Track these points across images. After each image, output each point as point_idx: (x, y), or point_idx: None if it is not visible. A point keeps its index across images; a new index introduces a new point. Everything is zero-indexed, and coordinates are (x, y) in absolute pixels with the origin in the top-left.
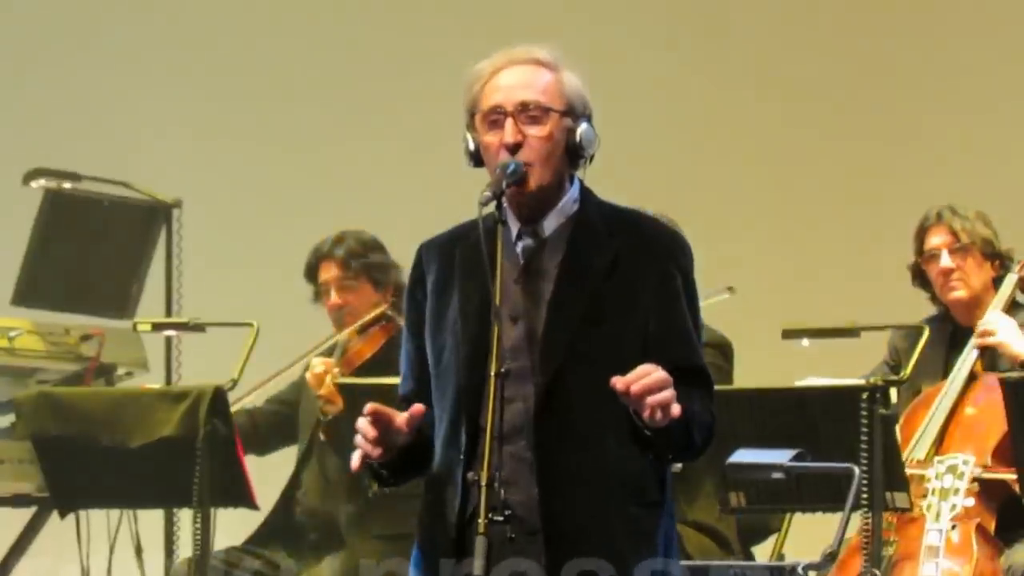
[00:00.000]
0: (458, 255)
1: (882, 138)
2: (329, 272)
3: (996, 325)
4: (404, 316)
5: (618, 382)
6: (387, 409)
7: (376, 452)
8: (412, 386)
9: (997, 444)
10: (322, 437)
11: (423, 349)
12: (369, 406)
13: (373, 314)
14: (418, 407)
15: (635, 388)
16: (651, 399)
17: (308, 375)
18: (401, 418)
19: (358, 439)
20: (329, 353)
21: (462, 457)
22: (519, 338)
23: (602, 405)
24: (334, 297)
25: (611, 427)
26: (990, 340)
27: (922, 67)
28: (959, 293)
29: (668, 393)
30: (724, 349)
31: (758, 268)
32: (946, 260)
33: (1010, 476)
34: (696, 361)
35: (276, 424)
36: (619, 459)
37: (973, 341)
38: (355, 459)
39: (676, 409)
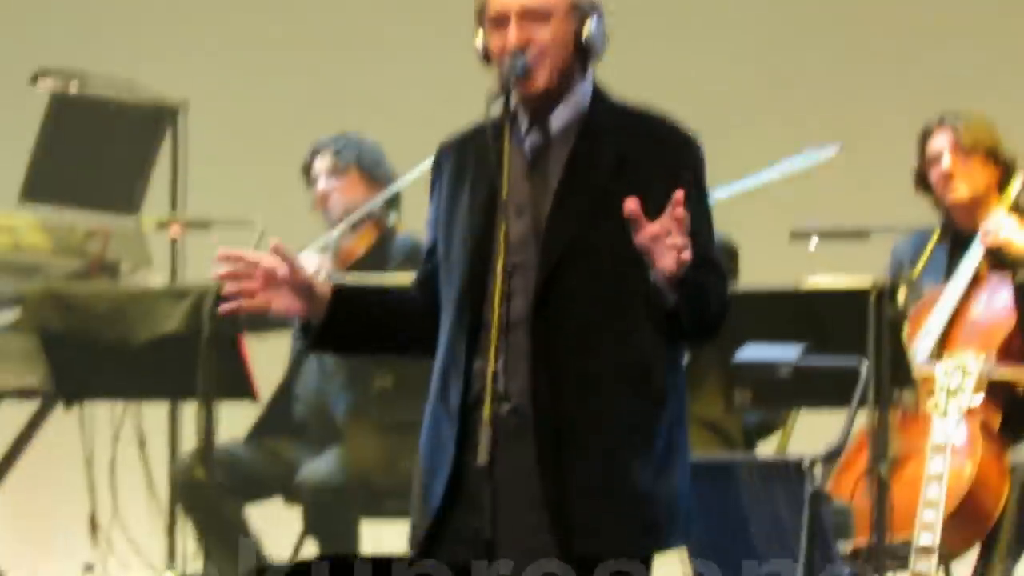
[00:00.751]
0: (471, 152)
1: (889, 37)
2: (322, 162)
3: (1000, 224)
4: (429, 212)
5: (633, 209)
6: (245, 255)
7: (252, 301)
8: (423, 276)
9: (1003, 342)
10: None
11: (437, 245)
12: (221, 251)
13: (363, 210)
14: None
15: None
16: (669, 240)
17: None
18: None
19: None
20: (320, 252)
21: (466, 349)
22: (524, 231)
23: (603, 299)
24: (322, 184)
25: (611, 321)
26: (997, 238)
27: None
28: (960, 194)
29: (683, 240)
30: (729, 249)
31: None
32: (947, 162)
33: (1022, 376)
34: (708, 253)
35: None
36: (619, 353)
37: (978, 241)
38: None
39: (688, 254)
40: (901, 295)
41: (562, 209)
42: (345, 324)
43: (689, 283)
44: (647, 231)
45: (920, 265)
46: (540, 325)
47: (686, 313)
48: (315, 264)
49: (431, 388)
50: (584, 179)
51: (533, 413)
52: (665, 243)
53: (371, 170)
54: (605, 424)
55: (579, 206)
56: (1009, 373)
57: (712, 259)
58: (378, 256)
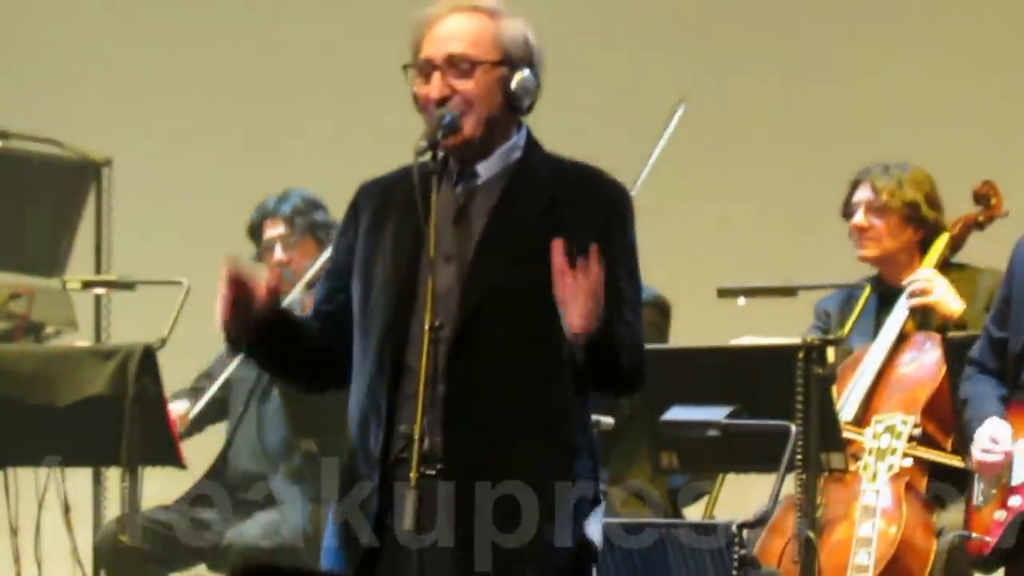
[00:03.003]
0: (396, 196)
1: (824, 87)
2: (275, 230)
3: (930, 283)
4: (332, 248)
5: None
6: (248, 278)
7: (227, 315)
8: (321, 317)
9: (927, 402)
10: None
11: (344, 283)
12: (229, 268)
13: (318, 266)
14: (274, 284)
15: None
16: (582, 302)
17: None
18: (261, 291)
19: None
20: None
21: (387, 395)
22: (451, 279)
23: (521, 347)
24: (278, 254)
25: (528, 369)
26: (927, 299)
27: (867, 21)
28: (866, 252)
29: (595, 305)
30: (662, 307)
31: (695, 226)
32: (859, 217)
33: (943, 457)
34: (628, 305)
35: (211, 412)
36: (538, 402)
37: (904, 299)
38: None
39: (597, 320)
40: (831, 354)
41: (484, 257)
42: (277, 338)
43: (597, 345)
44: (565, 283)
45: (850, 323)
46: (455, 373)
47: (594, 370)
48: None
49: (349, 427)
50: (510, 225)
51: (443, 462)
52: (579, 303)
53: (323, 238)
54: (518, 475)
55: (502, 252)
56: (930, 453)
57: (630, 312)
58: None
